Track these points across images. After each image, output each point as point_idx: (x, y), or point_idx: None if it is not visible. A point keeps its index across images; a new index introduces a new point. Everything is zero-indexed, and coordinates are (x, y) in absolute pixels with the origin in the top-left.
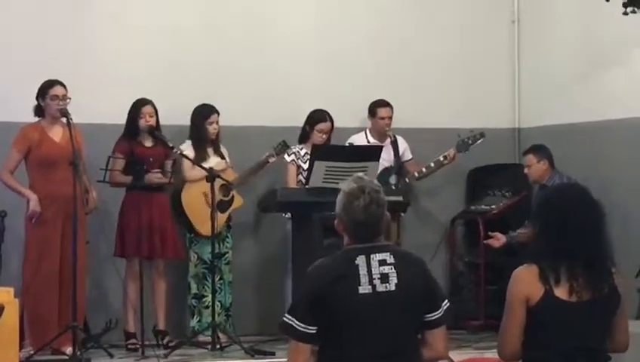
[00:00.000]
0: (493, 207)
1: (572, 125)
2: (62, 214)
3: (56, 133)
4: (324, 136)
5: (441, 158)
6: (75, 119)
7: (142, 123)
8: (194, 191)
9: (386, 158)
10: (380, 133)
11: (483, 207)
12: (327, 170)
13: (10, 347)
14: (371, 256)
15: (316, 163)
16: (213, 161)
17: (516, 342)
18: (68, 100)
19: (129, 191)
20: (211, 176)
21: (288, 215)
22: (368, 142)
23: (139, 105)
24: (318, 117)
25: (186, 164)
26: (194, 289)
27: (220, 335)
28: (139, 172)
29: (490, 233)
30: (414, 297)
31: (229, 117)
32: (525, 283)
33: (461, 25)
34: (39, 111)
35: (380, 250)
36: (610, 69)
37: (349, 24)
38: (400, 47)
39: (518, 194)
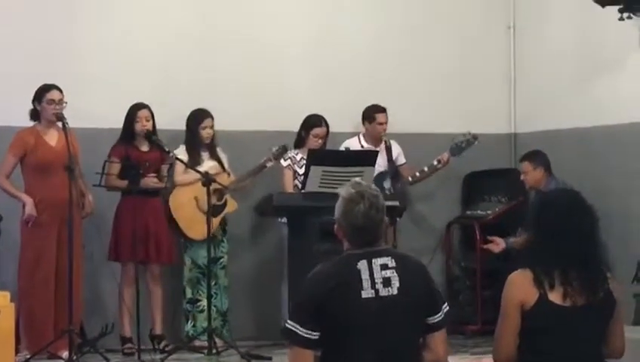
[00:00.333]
0: (489, 212)
1: (568, 130)
2: (57, 218)
3: (52, 138)
4: (319, 140)
5: (435, 163)
6: (71, 123)
7: (138, 127)
8: (183, 196)
9: (380, 163)
10: (376, 138)
11: (479, 212)
12: (323, 175)
13: (6, 351)
14: (373, 260)
15: (312, 168)
16: (206, 166)
17: (511, 347)
18: (64, 104)
19: (124, 196)
20: (207, 180)
21: (284, 219)
22: (362, 146)
23: (135, 109)
24: (313, 122)
25: (178, 168)
26: (188, 293)
27: (217, 339)
28: (134, 176)
29: (489, 237)
30: (416, 300)
31: (225, 121)
32: (520, 288)
33: (457, 31)
34: (35, 115)
35: (381, 254)
36: (606, 75)
37: (344, 30)
38: (396, 53)
39: (514, 200)
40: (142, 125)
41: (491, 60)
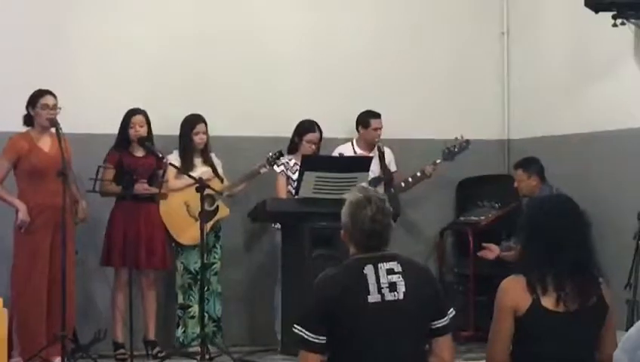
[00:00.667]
0: (483, 218)
1: (561, 136)
2: (51, 224)
3: (46, 143)
4: (313, 146)
5: (428, 167)
6: (64, 129)
7: (132, 133)
8: (174, 201)
9: (374, 169)
10: (370, 144)
11: (472, 218)
12: (317, 181)
13: None
14: (379, 265)
15: (306, 173)
16: (199, 171)
17: (504, 353)
18: (58, 110)
19: (118, 201)
20: (201, 186)
21: (278, 225)
22: (355, 152)
23: (130, 115)
24: (306, 127)
25: (171, 173)
26: (180, 299)
27: (209, 346)
28: (128, 182)
29: (484, 244)
30: (422, 305)
31: (219, 127)
32: (513, 293)
33: (451, 37)
34: (29, 120)
35: (387, 258)
36: (600, 81)
37: (338, 36)
38: (389, 59)
39: (508, 205)
40: (135, 131)
41: (485, 66)
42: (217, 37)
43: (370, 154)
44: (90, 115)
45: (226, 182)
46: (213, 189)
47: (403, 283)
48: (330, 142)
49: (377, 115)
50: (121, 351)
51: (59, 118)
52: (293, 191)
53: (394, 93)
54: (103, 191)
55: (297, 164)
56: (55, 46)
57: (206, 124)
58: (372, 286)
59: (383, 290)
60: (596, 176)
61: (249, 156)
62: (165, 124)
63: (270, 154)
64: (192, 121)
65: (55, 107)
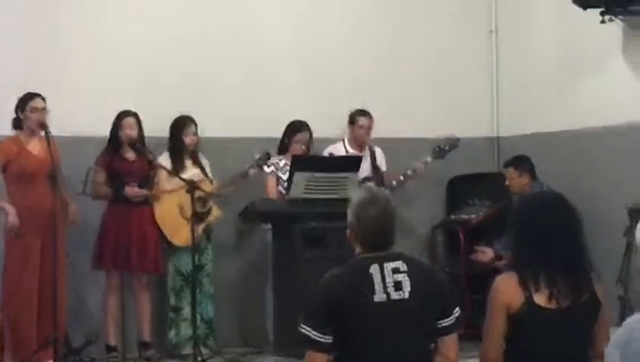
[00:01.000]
0: (474, 216)
1: (551, 133)
2: (41, 227)
3: (35, 147)
4: (302, 147)
5: (419, 166)
6: (53, 132)
7: (122, 135)
8: (167, 203)
9: (365, 168)
10: (359, 143)
11: (463, 216)
12: (307, 181)
13: None
14: (384, 264)
15: (296, 174)
16: (190, 173)
17: (498, 350)
18: (47, 113)
19: (110, 204)
20: (192, 187)
21: (269, 226)
22: (347, 151)
23: (121, 117)
24: (296, 128)
25: (162, 175)
26: (172, 301)
27: (202, 347)
28: (118, 185)
29: (477, 248)
30: (427, 304)
31: (209, 128)
32: (505, 291)
33: (439, 35)
34: (18, 124)
35: (393, 258)
36: (589, 77)
37: (327, 35)
38: (378, 58)
39: (499, 203)
40: (126, 133)
41: (474, 64)
42: (207, 39)
43: (362, 154)
44: (78, 117)
45: (215, 184)
46: (203, 191)
47: (408, 282)
48: (320, 142)
49: (364, 113)
50: (114, 354)
51: (48, 121)
52: (284, 192)
53: (383, 92)
54: (95, 194)
55: (287, 165)
56: (44, 49)
57: (196, 125)
58: (378, 286)
59: (388, 289)
60: (586, 172)
61: (239, 157)
62: (156, 126)
63: (257, 156)
64: (182, 123)
65: (44, 110)
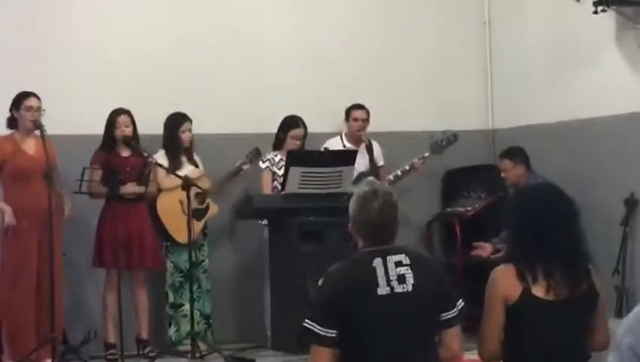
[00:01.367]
0: (470, 208)
1: (546, 125)
2: (37, 226)
3: (30, 146)
4: (297, 142)
5: (416, 161)
6: (48, 130)
7: (117, 133)
8: (169, 200)
9: (361, 163)
10: (355, 137)
11: (459, 208)
12: (302, 176)
13: None
14: (387, 257)
15: (292, 169)
16: (187, 169)
17: (496, 342)
18: (42, 112)
19: (107, 202)
20: (187, 184)
21: (265, 221)
22: (344, 146)
23: (114, 115)
24: (291, 123)
25: (160, 172)
26: (171, 298)
27: (200, 343)
28: (114, 182)
29: (475, 244)
30: (431, 297)
31: (202, 125)
32: (503, 283)
33: (433, 27)
34: (13, 123)
35: (395, 251)
36: (583, 68)
37: (322, 30)
38: (372, 52)
39: (494, 195)
40: (121, 131)
41: (467, 56)
42: (201, 34)
43: (358, 148)
44: (73, 115)
45: (208, 180)
46: (199, 187)
47: (411, 275)
48: (316, 137)
49: (359, 107)
50: (112, 351)
51: (43, 120)
52: (280, 187)
53: (377, 86)
54: (92, 192)
55: (283, 160)
56: (38, 48)
57: (191, 121)
58: (381, 279)
59: (392, 283)
60: (582, 163)
61: (233, 154)
62: (145, 123)
63: (248, 153)
64: (178, 120)
65: (39, 109)
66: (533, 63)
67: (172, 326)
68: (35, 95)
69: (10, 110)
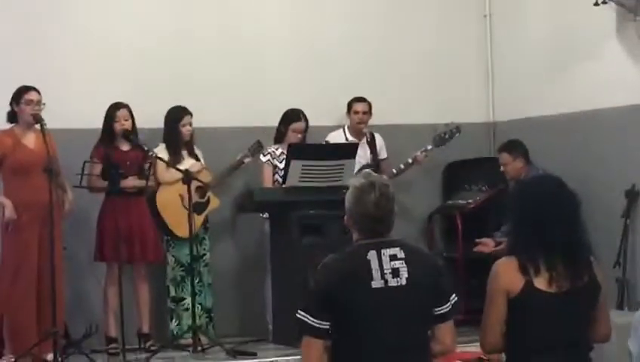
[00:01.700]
0: (470, 201)
1: (547, 117)
2: (38, 220)
3: (30, 140)
4: (299, 135)
5: (419, 155)
6: (49, 124)
7: (117, 127)
8: (169, 194)
9: (363, 156)
10: (356, 129)
11: (460, 201)
12: (303, 169)
13: None
14: (382, 250)
15: (293, 162)
16: (188, 163)
17: (498, 334)
18: (43, 105)
19: (108, 196)
20: (187, 178)
21: (266, 215)
22: (347, 139)
23: (113, 109)
24: (292, 116)
25: (161, 166)
26: (172, 292)
27: (201, 337)
28: (114, 176)
29: (477, 240)
30: (424, 291)
31: (203, 118)
32: (505, 275)
33: (433, 21)
34: (13, 117)
35: (391, 244)
36: (583, 61)
37: (323, 23)
38: (373, 45)
39: (495, 188)
40: (120, 125)
41: (468, 49)
42: (200, 29)
43: (360, 141)
44: (73, 109)
45: (210, 174)
46: (200, 181)
47: (406, 269)
48: (317, 130)
49: (360, 99)
50: (114, 345)
51: (43, 114)
52: (281, 180)
53: (378, 79)
54: (92, 187)
55: (284, 153)
56: (39, 41)
57: (191, 115)
58: (375, 272)
59: (386, 276)
60: (583, 155)
61: (234, 147)
62: (145, 116)
63: (249, 146)
64: (179, 113)
65: (39, 103)
66: (534, 56)
67: (173, 320)
68: (35, 89)
69: (11, 104)
